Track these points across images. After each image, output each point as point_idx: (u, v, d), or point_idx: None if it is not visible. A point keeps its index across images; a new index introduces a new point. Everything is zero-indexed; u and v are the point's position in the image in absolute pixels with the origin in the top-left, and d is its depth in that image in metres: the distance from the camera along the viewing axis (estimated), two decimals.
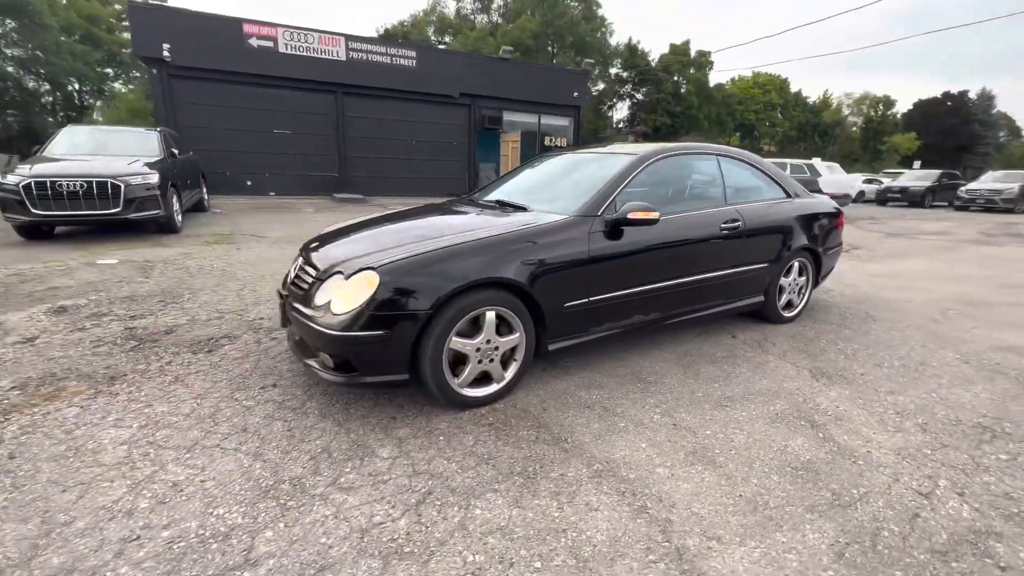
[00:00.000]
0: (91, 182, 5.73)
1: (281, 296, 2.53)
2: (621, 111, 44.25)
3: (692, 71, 41.21)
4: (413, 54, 15.02)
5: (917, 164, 28.15)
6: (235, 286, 4.27)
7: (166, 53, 11.80)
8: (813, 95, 55.34)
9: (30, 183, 5.54)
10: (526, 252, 2.32)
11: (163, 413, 2.18)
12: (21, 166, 5.91)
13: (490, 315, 2.23)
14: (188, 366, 2.66)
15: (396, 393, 2.40)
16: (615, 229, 2.59)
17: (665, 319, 2.95)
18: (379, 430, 2.10)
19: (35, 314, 3.39)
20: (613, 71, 42.13)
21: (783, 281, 3.56)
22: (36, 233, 6.11)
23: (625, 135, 39.13)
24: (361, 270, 2.12)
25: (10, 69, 25.90)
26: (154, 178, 6.15)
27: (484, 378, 2.32)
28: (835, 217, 3.89)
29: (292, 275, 2.55)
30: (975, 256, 7.10)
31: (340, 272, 2.20)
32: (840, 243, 4.05)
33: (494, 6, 41.79)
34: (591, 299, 2.52)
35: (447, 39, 39.97)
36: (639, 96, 41.09)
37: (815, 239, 3.65)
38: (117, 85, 35.37)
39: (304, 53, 13.42)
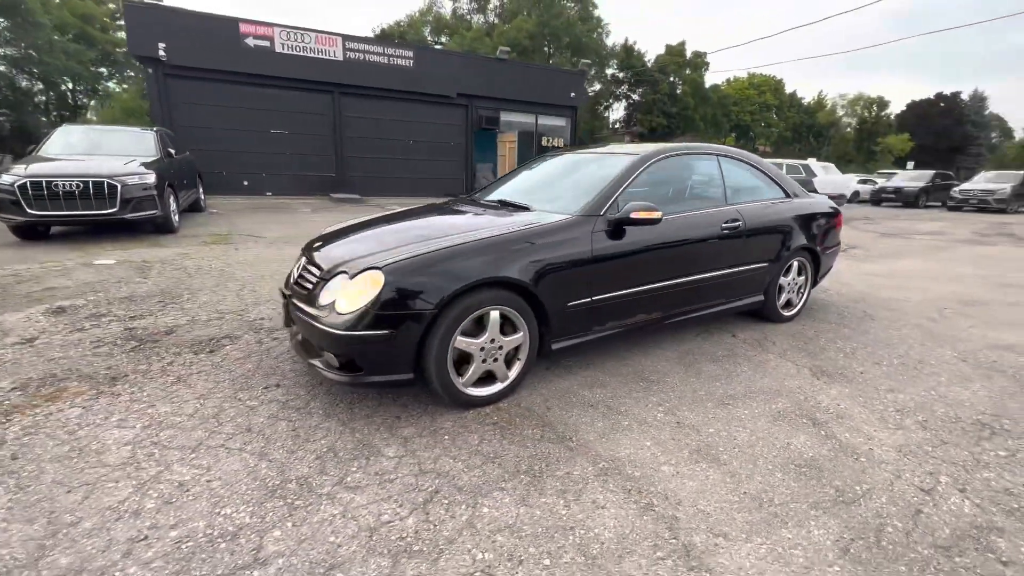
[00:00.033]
0: (87, 182, 5.69)
1: (284, 296, 2.53)
2: (617, 112, 44.48)
3: (688, 72, 41.41)
4: (410, 54, 15.01)
5: (911, 165, 28.36)
6: (234, 286, 4.25)
7: (162, 52, 11.75)
8: (809, 96, 55.77)
9: (26, 183, 5.49)
10: (529, 252, 2.33)
11: (166, 413, 2.17)
12: (16, 166, 5.85)
13: (494, 314, 2.23)
14: (190, 366, 2.65)
15: (400, 392, 2.41)
16: (618, 229, 2.60)
17: (667, 318, 2.96)
18: (384, 429, 2.11)
19: (33, 315, 3.37)
20: (609, 72, 42.27)
21: (783, 280, 3.58)
22: (32, 233, 6.06)
23: (621, 136, 39.23)
24: (366, 270, 2.12)
25: (2, 68, 25.73)
26: (151, 178, 6.11)
27: (488, 377, 2.33)
28: (833, 217, 3.92)
29: (295, 275, 2.54)
30: (969, 256, 7.17)
31: (344, 272, 2.20)
32: (838, 243, 4.08)
33: (490, 6, 41.84)
34: (594, 298, 2.53)
35: (443, 39, 39.96)
36: (635, 97, 41.23)
37: (814, 239, 3.68)
38: (111, 85, 35.18)
39: (301, 53, 13.39)
